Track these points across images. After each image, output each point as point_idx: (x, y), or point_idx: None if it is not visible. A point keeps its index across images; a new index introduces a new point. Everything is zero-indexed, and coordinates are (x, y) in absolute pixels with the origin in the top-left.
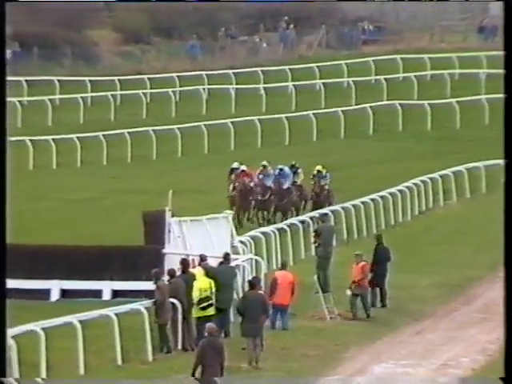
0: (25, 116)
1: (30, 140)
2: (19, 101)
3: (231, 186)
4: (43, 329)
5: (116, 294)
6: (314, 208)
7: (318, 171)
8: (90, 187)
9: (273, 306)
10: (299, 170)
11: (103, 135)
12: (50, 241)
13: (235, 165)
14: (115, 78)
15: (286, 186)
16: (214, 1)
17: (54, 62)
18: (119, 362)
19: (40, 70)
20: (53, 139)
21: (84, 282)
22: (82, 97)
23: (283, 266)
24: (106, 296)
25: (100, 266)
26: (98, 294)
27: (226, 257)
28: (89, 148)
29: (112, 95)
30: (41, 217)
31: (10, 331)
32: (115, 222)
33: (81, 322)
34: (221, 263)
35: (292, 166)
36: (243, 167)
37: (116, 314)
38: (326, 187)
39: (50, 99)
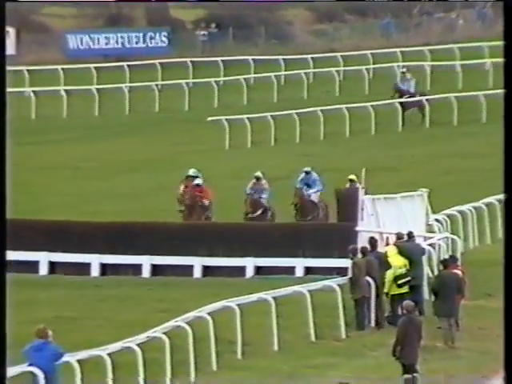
0: (221, 96)
1: (227, 120)
2: (216, 81)
3: (179, 196)
4: (238, 305)
5: (308, 270)
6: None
7: (351, 180)
8: (281, 166)
9: None
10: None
11: (296, 113)
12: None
13: (191, 172)
14: (308, 56)
15: (313, 197)
16: (219, 1)
17: (248, 42)
18: (313, 338)
19: (235, 50)
20: (248, 118)
21: (277, 259)
22: (275, 75)
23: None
24: (299, 273)
25: (293, 243)
26: (290, 270)
27: (411, 235)
28: (282, 127)
29: (305, 73)
30: (236, 195)
31: (205, 308)
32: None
33: (275, 298)
34: (406, 241)
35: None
36: (198, 181)
37: (309, 291)
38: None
39: (244, 78)
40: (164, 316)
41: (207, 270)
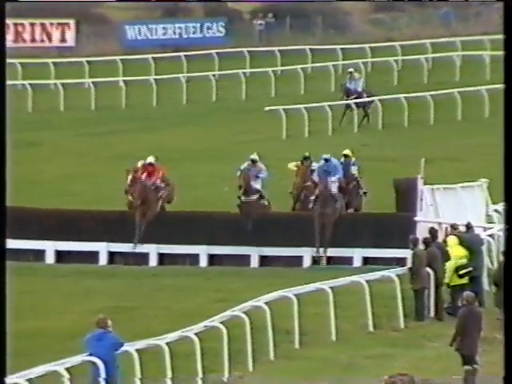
0: (278, 86)
1: (284, 109)
2: (273, 71)
3: (127, 186)
4: (296, 295)
5: (366, 260)
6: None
7: (346, 156)
8: (340, 156)
9: None
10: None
11: (354, 103)
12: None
13: (150, 159)
14: (366, 45)
15: (333, 187)
16: (217, 0)
17: (305, 31)
18: (371, 328)
19: (292, 40)
20: (305, 108)
21: (335, 249)
22: (333, 65)
23: None
24: (357, 263)
25: (352, 233)
26: (348, 260)
27: (469, 225)
28: (339, 116)
29: (363, 63)
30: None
31: (263, 298)
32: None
33: (332, 288)
34: (466, 232)
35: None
36: (150, 159)
37: (367, 281)
38: (355, 177)
39: (302, 68)
40: (221, 306)
41: (264, 260)
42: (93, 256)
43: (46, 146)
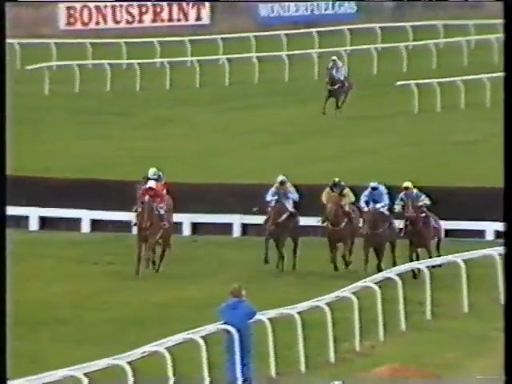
0: (410, 61)
1: (416, 84)
2: (405, 46)
3: (137, 208)
4: (428, 267)
5: (499, 234)
6: (413, 245)
7: (406, 188)
8: (472, 130)
9: None
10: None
11: (487, 78)
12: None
13: (151, 173)
14: (497, 21)
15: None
16: (220, 1)
17: (437, 6)
18: (502, 302)
19: (424, 15)
20: (437, 82)
21: (467, 223)
22: (466, 40)
23: None
24: (489, 236)
25: (483, 207)
26: (481, 233)
27: None
28: (472, 91)
29: (495, 38)
30: (426, 160)
31: (394, 269)
32: (492, 165)
33: (465, 261)
34: None
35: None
36: (151, 183)
37: (499, 255)
38: (425, 210)
39: (434, 43)
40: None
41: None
42: (227, 228)
43: (183, 123)
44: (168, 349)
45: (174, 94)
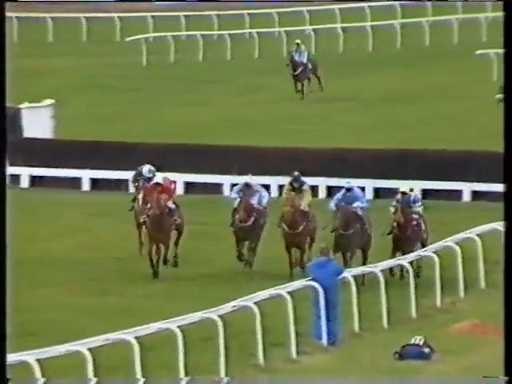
0: (489, 31)
1: (494, 53)
2: (486, 17)
3: (137, 205)
4: (457, 244)
5: None
6: (395, 248)
7: (403, 193)
8: None
9: None
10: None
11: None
12: None
13: (145, 170)
14: None
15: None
16: (215, 1)
17: None
18: None
19: None
20: None
21: None
22: None
23: None
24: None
25: None
26: None
27: None
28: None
29: None
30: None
31: (474, 230)
32: None
33: None
34: None
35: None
36: (158, 179)
37: None
38: (416, 217)
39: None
40: (432, 236)
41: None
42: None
43: (272, 89)
44: (257, 303)
45: (262, 63)
